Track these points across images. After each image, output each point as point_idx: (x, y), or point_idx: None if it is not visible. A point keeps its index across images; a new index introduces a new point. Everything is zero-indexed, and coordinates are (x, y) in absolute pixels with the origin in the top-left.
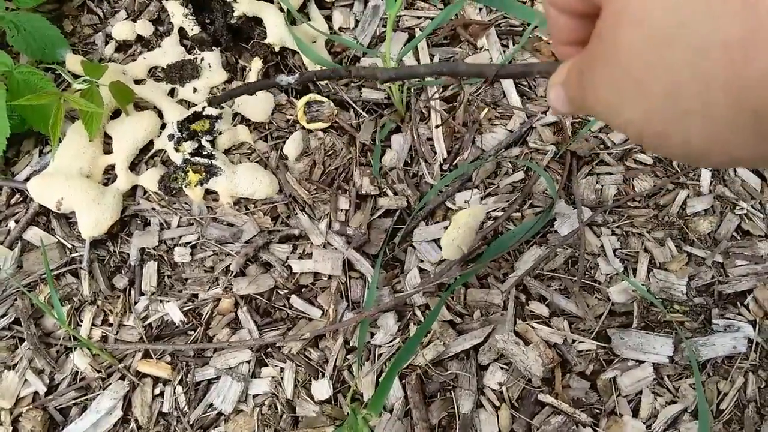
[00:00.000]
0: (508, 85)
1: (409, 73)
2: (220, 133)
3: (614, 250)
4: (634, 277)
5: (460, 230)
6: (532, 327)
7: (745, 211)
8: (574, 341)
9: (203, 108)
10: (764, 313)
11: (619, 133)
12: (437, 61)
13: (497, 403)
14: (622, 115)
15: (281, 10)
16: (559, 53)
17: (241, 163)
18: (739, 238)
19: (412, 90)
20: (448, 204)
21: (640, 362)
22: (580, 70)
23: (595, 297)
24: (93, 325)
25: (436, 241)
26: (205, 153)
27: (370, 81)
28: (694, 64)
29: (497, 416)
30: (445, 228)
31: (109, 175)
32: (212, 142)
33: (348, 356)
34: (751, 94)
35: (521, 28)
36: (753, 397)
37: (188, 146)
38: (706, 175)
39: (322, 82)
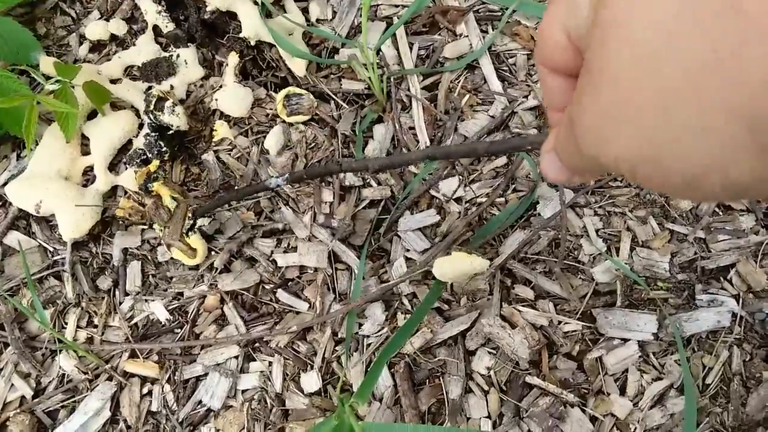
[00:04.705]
0: (489, 71)
1: (402, 161)
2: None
3: (597, 230)
4: (617, 256)
5: (452, 267)
6: (518, 310)
7: None
8: (559, 322)
9: (193, 220)
10: (747, 287)
11: (614, 173)
12: (417, 53)
13: (486, 388)
14: (613, 145)
15: (255, 3)
16: (552, 120)
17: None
18: (720, 213)
19: (392, 80)
20: (432, 192)
21: (626, 340)
22: (569, 116)
23: (579, 277)
24: (78, 327)
25: (422, 230)
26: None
27: (360, 171)
28: (686, 79)
29: (486, 400)
30: (447, 254)
31: (88, 177)
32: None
33: (336, 348)
34: (748, 103)
35: (500, 13)
36: (738, 371)
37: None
38: None
39: (301, 74)
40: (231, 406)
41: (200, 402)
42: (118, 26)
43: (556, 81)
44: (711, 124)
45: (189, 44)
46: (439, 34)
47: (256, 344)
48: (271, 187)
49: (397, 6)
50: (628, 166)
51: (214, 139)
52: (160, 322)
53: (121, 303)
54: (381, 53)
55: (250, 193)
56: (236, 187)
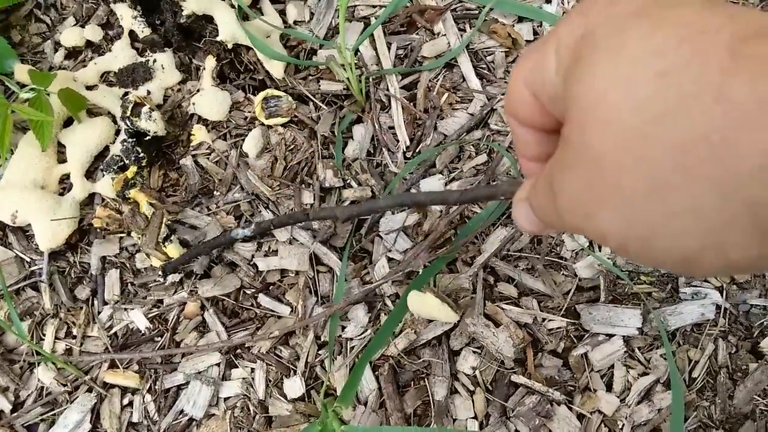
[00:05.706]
0: (467, 69)
1: (370, 209)
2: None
3: None
4: (600, 251)
5: (420, 306)
6: (502, 308)
7: None
8: (543, 320)
9: (160, 276)
10: (731, 279)
11: (599, 243)
12: (395, 53)
13: (471, 388)
14: (601, 223)
15: (232, 6)
16: (524, 168)
17: None
18: None
19: (371, 80)
20: (413, 191)
21: (610, 336)
22: (548, 180)
23: (562, 274)
24: (56, 338)
25: (404, 229)
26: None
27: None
28: (675, 161)
29: (472, 401)
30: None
31: (65, 185)
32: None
33: (320, 351)
34: (745, 188)
35: (477, 11)
36: (724, 363)
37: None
38: None
39: (279, 77)
40: (213, 415)
41: (182, 411)
42: (93, 32)
43: (527, 133)
44: (707, 206)
45: (165, 49)
46: (417, 34)
47: (238, 351)
48: (237, 238)
49: (374, 6)
50: (616, 243)
51: (192, 144)
52: (140, 331)
53: (99, 312)
54: (359, 54)
55: (216, 245)
56: (200, 242)
